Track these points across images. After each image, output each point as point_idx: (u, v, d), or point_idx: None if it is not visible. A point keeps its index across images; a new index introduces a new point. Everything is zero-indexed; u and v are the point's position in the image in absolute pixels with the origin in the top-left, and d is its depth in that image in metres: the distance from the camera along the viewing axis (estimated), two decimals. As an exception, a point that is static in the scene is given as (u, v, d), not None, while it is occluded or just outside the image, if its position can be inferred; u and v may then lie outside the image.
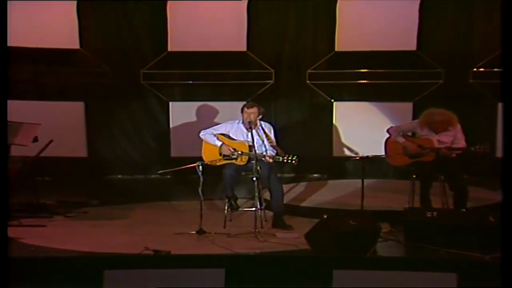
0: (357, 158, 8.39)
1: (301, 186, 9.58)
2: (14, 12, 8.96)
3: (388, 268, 5.16)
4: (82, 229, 7.71)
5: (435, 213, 6.84)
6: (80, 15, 10.04)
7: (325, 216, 6.63)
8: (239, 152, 7.61)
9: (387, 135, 8.00)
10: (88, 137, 10.32)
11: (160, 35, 10.19)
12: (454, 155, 7.67)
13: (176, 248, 6.58)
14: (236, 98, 9.82)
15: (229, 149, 7.68)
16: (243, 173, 7.92)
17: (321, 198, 8.84)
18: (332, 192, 9.18)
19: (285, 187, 8.27)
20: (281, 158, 7.44)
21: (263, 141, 7.66)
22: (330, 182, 10.11)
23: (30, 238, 7.07)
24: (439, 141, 7.68)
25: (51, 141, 8.18)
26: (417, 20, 10.00)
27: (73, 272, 5.33)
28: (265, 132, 7.70)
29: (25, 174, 8.17)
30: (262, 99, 9.70)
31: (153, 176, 10.33)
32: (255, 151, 7.45)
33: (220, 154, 7.73)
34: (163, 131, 10.44)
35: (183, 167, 7.67)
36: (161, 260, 5.92)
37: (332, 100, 10.38)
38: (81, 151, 10.28)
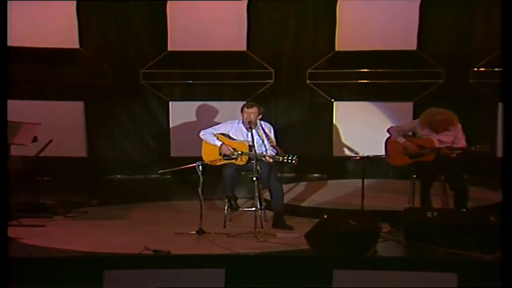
0: (357, 158, 8.38)
1: (301, 186, 9.58)
2: (14, 12, 8.96)
3: (388, 268, 5.16)
4: (82, 229, 7.70)
5: (435, 213, 6.84)
6: (80, 15, 10.03)
7: (325, 216, 6.63)
8: (239, 152, 7.60)
9: (388, 135, 7.99)
10: (88, 137, 10.32)
11: (160, 35, 10.18)
12: (454, 155, 7.66)
13: (176, 248, 6.58)
14: (236, 98, 9.82)
15: (229, 149, 7.68)
16: (243, 173, 7.92)
17: (321, 198, 8.83)
18: (332, 192, 9.17)
19: (285, 187, 8.26)
20: (281, 158, 7.44)
21: (263, 141, 7.65)
22: (330, 182, 10.10)
23: (29, 238, 7.06)
24: (439, 141, 7.67)
25: (50, 141, 8.18)
26: (417, 20, 10.00)
27: (73, 272, 5.33)
28: (265, 132, 7.70)
29: (25, 174, 8.16)
30: (262, 99, 9.69)
31: (153, 176, 10.32)
32: (255, 151, 7.44)
33: (220, 154, 7.73)
34: (163, 131, 10.43)
35: (183, 167, 7.67)
36: (161, 260, 5.92)
37: (332, 100, 10.37)
38: (81, 151, 10.28)
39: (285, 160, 7.42)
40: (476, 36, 10.17)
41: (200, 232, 7.23)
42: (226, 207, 7.74)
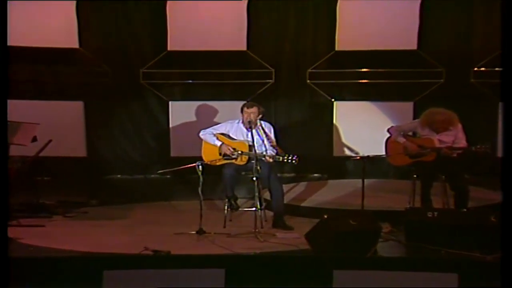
0: (358, 158, 8.37)
1: (301, 186, 9.57)
2: (14, 12, 8.95)
3: (388, 268, 5.16)
4: (81, 229, 7.69)
5: (435, 213, 6.83)
6: (80, 15, 10.03)
7: (325, 216, 6.62)
8: (239, 152, 7.60)
9: (388, 135, 7.99)
10: (88, 136, 10.31)
11: (160, 35, 10.17)
12: (455, 155, 7.65)
13: (176, 248, 6.57)
14: (236, 97, 9.82)
15: (229, 149, 7.67)
16: (243, 173, 7.90)
17: (321, 198, 8.83)
18: (332, 192, 9.16)
19: (285, 187, 8.26)
20: (281, 158, 7.43)
21: (263, 141, 7.65)
22: (330, 182, 10.10)
23: (29, 238, 7.06)
24: (440, 140, 7.66)
25: (50, 141, 8.18)
26: (417, 20, 9.99)
27: (73, 272, 5.33)
28: (265, 132, 7.69)
29: (24, 174, 8.16)
30: (262, 98, 9.69)
31: (153, 176, 10.32)
32: (255, 150, 7.44)
33: (220, 154, 7.72)
34: (162, 131, 10.43)
35: (183, 167, 7.66)
36: (161, 260, 5.91)
37: (333, 100, 10.37)
38: (81, 151, 10.27)
39: (285, 160, 7.42)
40: (476, 36, 10.16)
41: (200, 232, 7.23)
42: (226, 207, 7.74)
